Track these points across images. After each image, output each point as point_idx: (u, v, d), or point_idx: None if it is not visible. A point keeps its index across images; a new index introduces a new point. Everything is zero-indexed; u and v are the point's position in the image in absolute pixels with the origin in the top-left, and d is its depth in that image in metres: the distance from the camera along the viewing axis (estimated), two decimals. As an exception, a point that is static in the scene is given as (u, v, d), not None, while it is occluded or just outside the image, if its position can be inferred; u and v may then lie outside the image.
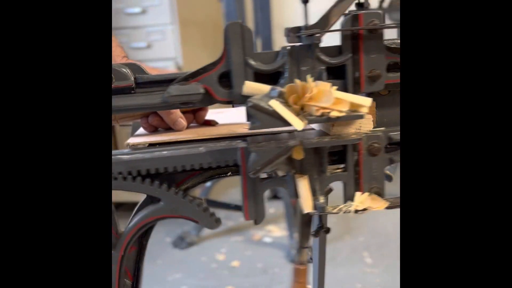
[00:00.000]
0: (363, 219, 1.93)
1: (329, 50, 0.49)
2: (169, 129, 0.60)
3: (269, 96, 0.45)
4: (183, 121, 0.59)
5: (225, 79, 0.50)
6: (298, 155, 0.49)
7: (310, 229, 0.57)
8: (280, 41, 2.03)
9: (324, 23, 0.49)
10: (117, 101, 0.50)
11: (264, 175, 0.51)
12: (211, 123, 0.62)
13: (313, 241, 0.78)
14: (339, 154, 0.52)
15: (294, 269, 0.59)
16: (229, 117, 0.67)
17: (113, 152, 0.48)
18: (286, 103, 0.45)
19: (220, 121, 0.64)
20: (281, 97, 0.45)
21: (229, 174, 0.51)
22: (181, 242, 1.86)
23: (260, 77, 0.50)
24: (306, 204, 0.50)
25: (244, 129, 0.55)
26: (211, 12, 2.35)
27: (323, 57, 0.49)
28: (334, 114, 0.44)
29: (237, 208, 0.91)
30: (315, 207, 0.50)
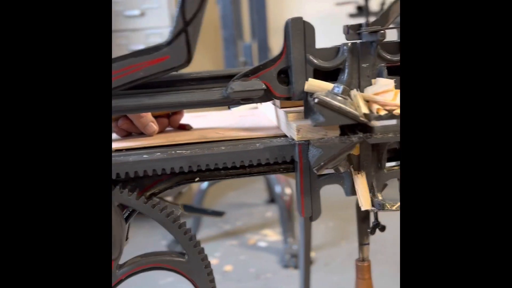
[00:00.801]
0: (364, 224, 1.93)
1: (389, 47, 0.49)
2: (140, 133, 0.58)
3: (333, 93, 0.45)
4: (154, 125, 0.57)
5: (283, 75, 0.50)
6: (356, 151, 0.49)
7: (368, 226, 0.57)
8: (276, 44, 2.03)
9: (384, 20, 0.49)
10: (172, 98, 0.49)
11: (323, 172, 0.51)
12: (185, 128, 0.60)
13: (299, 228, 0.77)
14: (395, 152, 0.52)
15: (356, 266, 0.59)
16: (208, 121, 0.66)
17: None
18: (349, 100, 0.45)
19: (198, 125, 0.62)
20: (345, 93, 0.44)
21: (196, 179, 0.50)
22: (176, 246, 1.85)
23: (318, 73, 0.49)
24: (364, 201, 0.50)
25: (217, 134, 0.54)
26: (210, 15, 2.34)
27: (384, 54, 0.49)
28: (397, 111, 0.44)
29: (214, 213, 0.90)
30: (373, 204, 0.49)
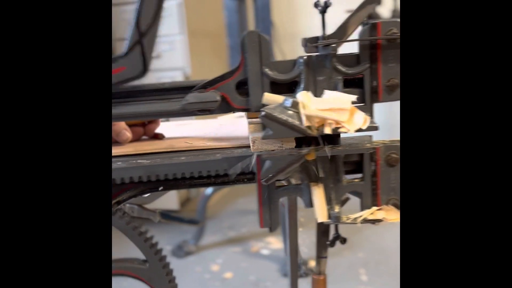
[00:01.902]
0: (366, 235, 1.92)
1: (346, 60, 0.50)
2: (114, 141, 0.59)
3: (282, 106, 0.45)
4: (127, 133, 0.57)
5: (244, 87, 0.50)
6: (311, 156, 0.49)
7: (327, 238, 0.57)
8: (279, 54, 2.04)
9: (341, 33, 0.49)
10: (132, 108, 0.50)
11: (279, 183, 0.51)
12: (158, 137, 0.61)
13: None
14: (358, 164, 0.52)
15: (312, 279, 0.59)
16: (187, 130, 0.66)
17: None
18: (298, 114, 0.45)
19: (179, 134, 0.63)
20: (294, 107, 0.45)
21: (160, 188, 0.50)
22: (179, 251, 1.86)
23: (278, 86, 0.50)
24: (321, 213, 0.50)
25: (185, 144, 0.55)
26: (219, 22, 2.37)
27: (340, 67, 0.49)
28: (342, 130, 0.44)
29: (191, 222, 0.90)
30: (330, 216, 0.49)
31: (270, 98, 0.48)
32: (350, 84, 0.50)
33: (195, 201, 2.23)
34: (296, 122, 0.44)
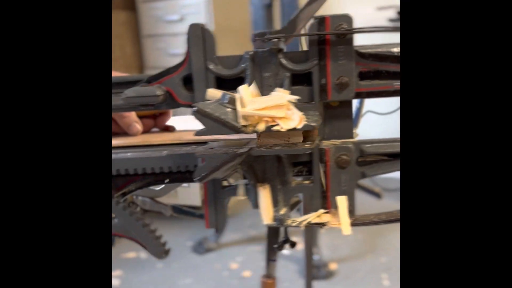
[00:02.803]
0: (389, 239, 1.86)
1: (294, 56, 0.47)
2: (125, 133, 0.59)
3: (219, 102, 0.44)
4: (137, 125, 0.58)
5: (192, 82, 0.49)
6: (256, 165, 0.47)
7: (276, 241, 0.55)
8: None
9: (291, 28, 0.47)
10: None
11: (225, 183, 0.50)
12: (169, 129, 0.61)
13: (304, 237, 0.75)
14: (308, 165, 0.50)
15: (261, 282, 0.57)
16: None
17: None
18: (235, 111, 0.43)
19: (192, 127, 0.62)
20: (232, 103, 0.43)
21: (166, 181, 0.49)
22: (200, 248, 1.87)
23: (225, 81, 0.48)
24: (265, 215, 0.48)
25: (193, 136, 0.54)
26: (245, 18, 2.36)
27: (286, 63, 0.47)
28: (276, 128, 0.42)
29: (202, 217, 0.88)
30: (274, 219, 0.48)
31: (214, 94, 0.47)
32: (300, 81, 0.48)
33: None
34: (230, 119, 0.43)
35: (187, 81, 0.49)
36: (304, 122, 0.43)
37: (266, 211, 0.48)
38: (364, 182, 0.68)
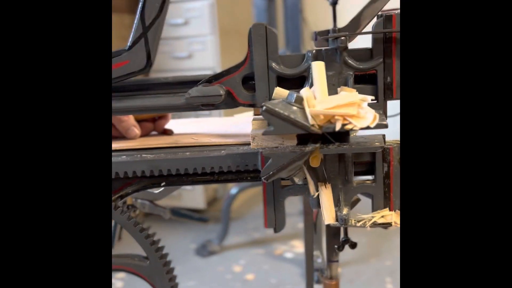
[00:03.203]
0: (396, 243, 1.86)
1: (358, 54, 0.47)
2: (123, 137, 0.58)
3: (286, 101, 0.43)
4: (135, 130, 0.57)
5: (251, 81, 0.49)
6: (315, 162, 0.46)
7: (338, 242, 0.54)
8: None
9: (355, 26, 0.47)
10: (137, 102, 0.50)
11: (286, 182, 0.49)
12: (167, 133, 0.60)
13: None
14: (371, 165, 0.49)
15: (324, 284, 0.56)
16: (198, 127, 0.65)
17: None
18: (303, 110, 0.43)
19: (190, 130, 0.62)
20: (298, 102, 0.43)
21: (163, 184, 0.49)
22: (203, 250, 1.86)
23: (287, 81, 0.48)
24: (328, 215, 0.47)
25: (191, 140, 0.53)
26: (249, 21, 2.36)
27: (351, 62, 0.46)
28: (349, 126, 0.41)
29: (200, 219, 0.88)
30: (337, 218, 0.47)
31: (282, 94, 0.46)
32: (363, 80, 0.47)
33: (222, 201, 2.23)
34: (299, 118, 0.42)
35: (245, 81, 0.49)
36: (377, 121, 0.42)
37: (329, 211, 0.47)
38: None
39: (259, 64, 0.47)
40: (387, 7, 0.47)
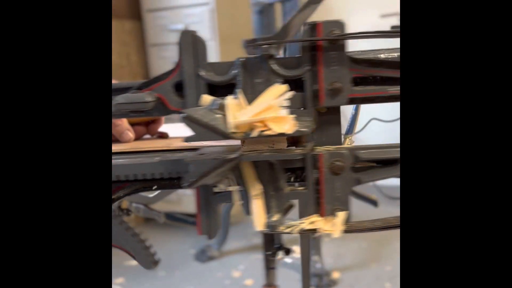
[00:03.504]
0: (397, 247, 1.84)
1: (286, 62, 0.47)
2: (117, 140, 0.59)
3: (209, 108, 0.43)
4: (129, 133, 0.58)
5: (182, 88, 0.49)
6: (248, 171, 0.47)
7: (272, 248, 0.54)
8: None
9: (283, 34, 0.47)
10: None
11: (218, 189, 0.50)
12: (163, 136, 0.61)
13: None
14: (302, 171, 0.49)
15: None
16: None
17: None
18: (225, 117, 0.43)
19: (182, 134, 0.62)
20: (221, 109, 0.43)
21: (154, 188, 0.49)
22: (202, 256, 1.87)
23: (218, 88, 0.48)
24: (258, 221, 0.47)
25: (182, 143, 0.54)
26: (248, 27, 2.37)
27: (278, 70, 0.46)
28: (268, 132, 0.42)
29: (195, 223, 0.88)
30: (267, 225, 0.47)
31: (208, 101, 0.46)
32: (292, 88, 0.47)
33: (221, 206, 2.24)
34: (219, 125, 0.42)
35: (179, 88, 0.49)
36: (295, 128, 0.43)
37: (259, 218, 0.48)
38: (362, 189, 0.68)
39: (188, 72, 0.47)
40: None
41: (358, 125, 0.70)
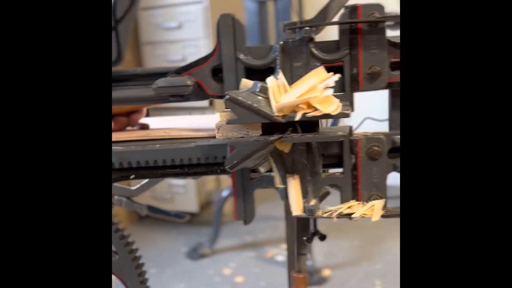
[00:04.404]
0: (388, 246, 1.86)
1: (325, 45, 0.47)
2: None
3: (251, 91, 0.43)
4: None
5: (220, 73, 0.49)
6: (285, 148, 0.46)
7: (307, 234, 0.54)
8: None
9: (322, 18, 0.47)
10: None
11: (254, 175, 0.49)
12: (144, 127, 0.60)
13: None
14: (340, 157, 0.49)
15: (292, 277, 0.56)
16: (178, 123, 0.65)
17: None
18: (268, 99, 0.43)
19: (165, 126, 0.62)
20: (263, 92, 0.43)
21: (132, 177, 0.49)
22: (194, 253, 1.86)
23: (256, 72, 0.48)
24: (295, 206, 0.47)
25: (163, 133, 0.53)
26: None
27: (317, 53, 0.46)
28: (312, 114, 0.42)
29: (176, 216, 0.87)
30: (304, 209, 0.47)
31: (247, 84, 0.46)
32: (328, 71, 0.47)
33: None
34: (262, 107, 0.42)
35: (216, 73, 0.49)
36: (339, 109, 0.43)
37: (296, 202, 0.48)
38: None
39: (227, 55, 0.47)
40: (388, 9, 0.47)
41: (353, 124, 0.70)
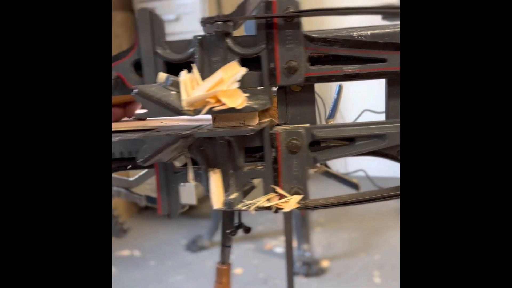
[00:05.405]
0: (386, 237, 1.85)
1: (243, 40, 0.47)
2: None
3: (163, 85, 0.44)
4: None
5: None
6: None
7: (232, 227, 0.55)
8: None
9: (241, 12, 0.47)
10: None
11: (178, 169, 0.50)
12: (142, 118, 0.60)
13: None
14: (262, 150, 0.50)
15: (216, 269, 0.57)
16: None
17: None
18: (179, 93, 0.43)
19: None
20: (175, 86, 0.43)
21: (128, 167, 0.49)
22: (193, 246, 1.88)
23: (176, 66, 0.48)
24: (215, 199, 0.48)
25: (161, 123, 0.54)
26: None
27: (235, 48, 0.47)
28: (219, 108, 0.42)
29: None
30: (224, 203, 0.47)
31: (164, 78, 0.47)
32: (251, 67, 0.48)
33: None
34: (171, 102, 0.43)
35: (138, 67, 0.49)
36: (244, 104, 0.43)
37: (217, 195, 0.48)
38: (343, 173, 0.68)
39: (145, 50, 0.47)
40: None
41: (352, 117, 0.70)
